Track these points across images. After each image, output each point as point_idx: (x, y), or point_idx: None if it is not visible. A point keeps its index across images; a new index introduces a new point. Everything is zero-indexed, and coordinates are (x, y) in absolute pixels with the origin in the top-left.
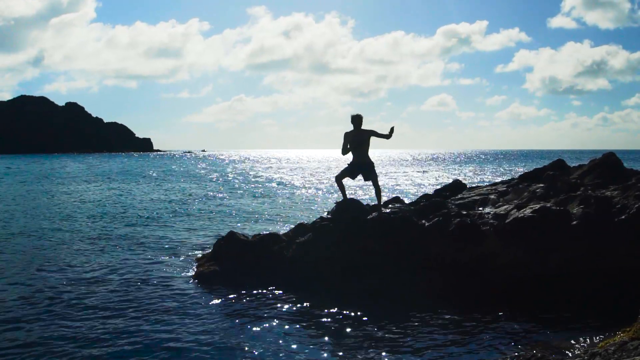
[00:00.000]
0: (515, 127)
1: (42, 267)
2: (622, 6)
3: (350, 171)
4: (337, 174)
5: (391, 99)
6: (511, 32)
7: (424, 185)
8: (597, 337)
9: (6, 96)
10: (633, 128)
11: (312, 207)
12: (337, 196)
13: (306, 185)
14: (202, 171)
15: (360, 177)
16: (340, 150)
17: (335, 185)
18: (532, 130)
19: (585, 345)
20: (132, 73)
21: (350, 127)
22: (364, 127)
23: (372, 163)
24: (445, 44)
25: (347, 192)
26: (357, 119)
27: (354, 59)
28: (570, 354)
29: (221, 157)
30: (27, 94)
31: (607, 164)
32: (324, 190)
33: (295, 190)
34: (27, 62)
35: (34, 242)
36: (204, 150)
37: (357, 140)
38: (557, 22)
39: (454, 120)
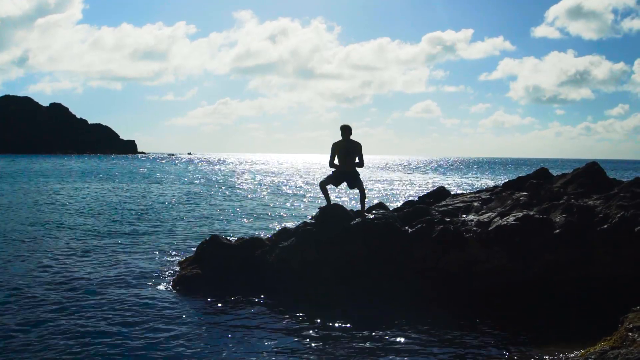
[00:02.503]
0: (499, 135)
1: (16, 271)
2: (605, 17)
3: (334, 178)
4: (322, 179)
5: (376, 105)
6: (495, 40)
7: (408, 191)
8: (579, 345)
9: None
10: (616, 138)
11: (296, 212)
12: (321, 201)
13: (290, 190)
14: (182, 173)
15: (344, 184)
16: (328, 159)
17: (320, 190)
18: (516, 138)
19: (567, 353)
20: (117, 75)
21: (338, 137)
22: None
23: (357, 172)
24: (431, 51)
25: (330, 198)
26: (346, 130)
27: (339, 64)
28: None
29: (206, 160)
30: (11, 94)
31: (590, 173)
32: (308, 195)
33: (279, 195)
34: (12, 62)
35: (5, 244)
36: (190, 153)
37: (346, 150)
38: (541, 31)
39: (439, 127)
